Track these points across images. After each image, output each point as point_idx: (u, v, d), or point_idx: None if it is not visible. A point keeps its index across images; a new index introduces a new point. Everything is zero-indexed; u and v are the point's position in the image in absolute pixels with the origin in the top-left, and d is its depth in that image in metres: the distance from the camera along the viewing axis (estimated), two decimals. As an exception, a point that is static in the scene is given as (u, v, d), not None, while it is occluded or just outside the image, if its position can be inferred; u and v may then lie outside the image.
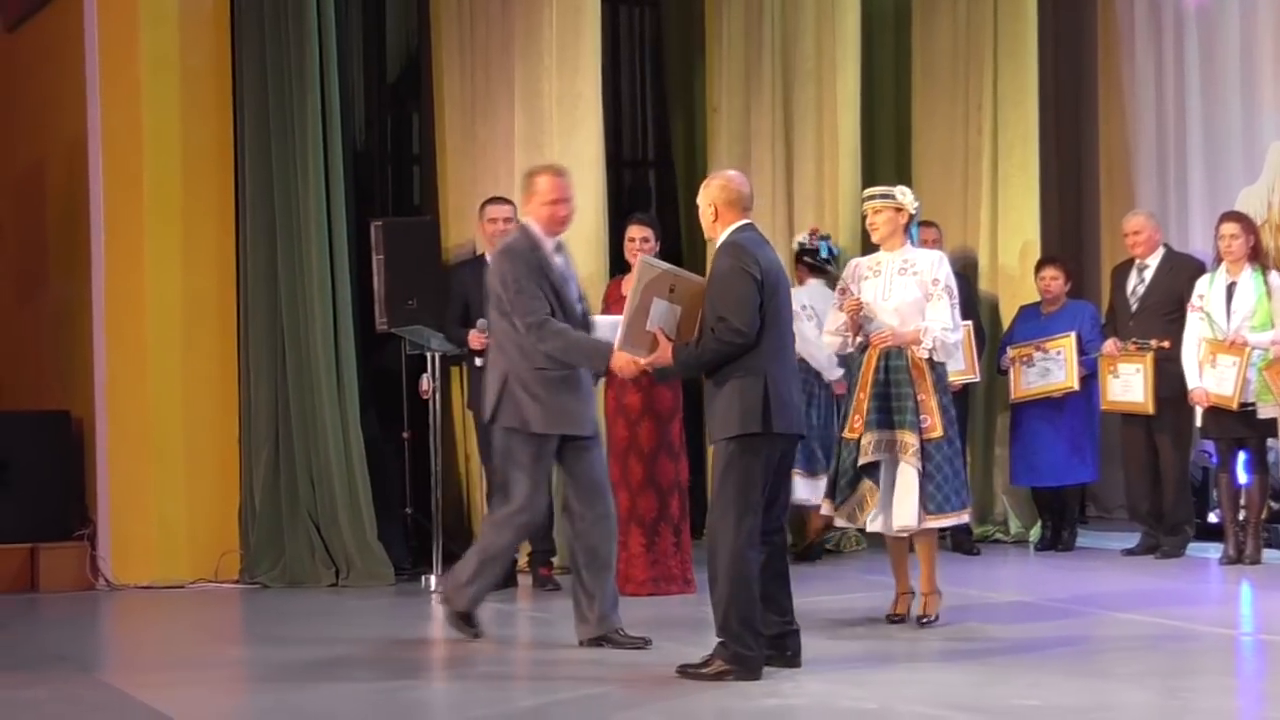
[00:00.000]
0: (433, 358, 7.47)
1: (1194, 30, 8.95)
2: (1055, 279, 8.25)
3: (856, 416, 6.04)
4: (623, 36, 9.47)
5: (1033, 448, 8.24)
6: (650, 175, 9.73)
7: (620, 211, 8.29)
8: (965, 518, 6.24)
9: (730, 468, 5.14)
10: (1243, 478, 7.69)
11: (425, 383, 7.49)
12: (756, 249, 5.23)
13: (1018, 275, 8.62)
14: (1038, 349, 8.17)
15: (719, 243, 5.33)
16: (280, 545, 7.54)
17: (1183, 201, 8.98)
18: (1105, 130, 9.43)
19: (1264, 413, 7.46)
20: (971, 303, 8.32)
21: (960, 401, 8.15)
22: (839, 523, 6.35)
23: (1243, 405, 7.42)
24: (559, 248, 5.75)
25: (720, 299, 5.15)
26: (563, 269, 5.72)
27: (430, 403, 7.49)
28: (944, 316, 6.06)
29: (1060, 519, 8.37)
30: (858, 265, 6.24)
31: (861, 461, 6.02)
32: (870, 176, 8.58)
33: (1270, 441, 7.68)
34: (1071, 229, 9.71)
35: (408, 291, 7.60)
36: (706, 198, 5.35)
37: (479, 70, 8.11)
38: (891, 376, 6.04)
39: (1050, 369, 8.11)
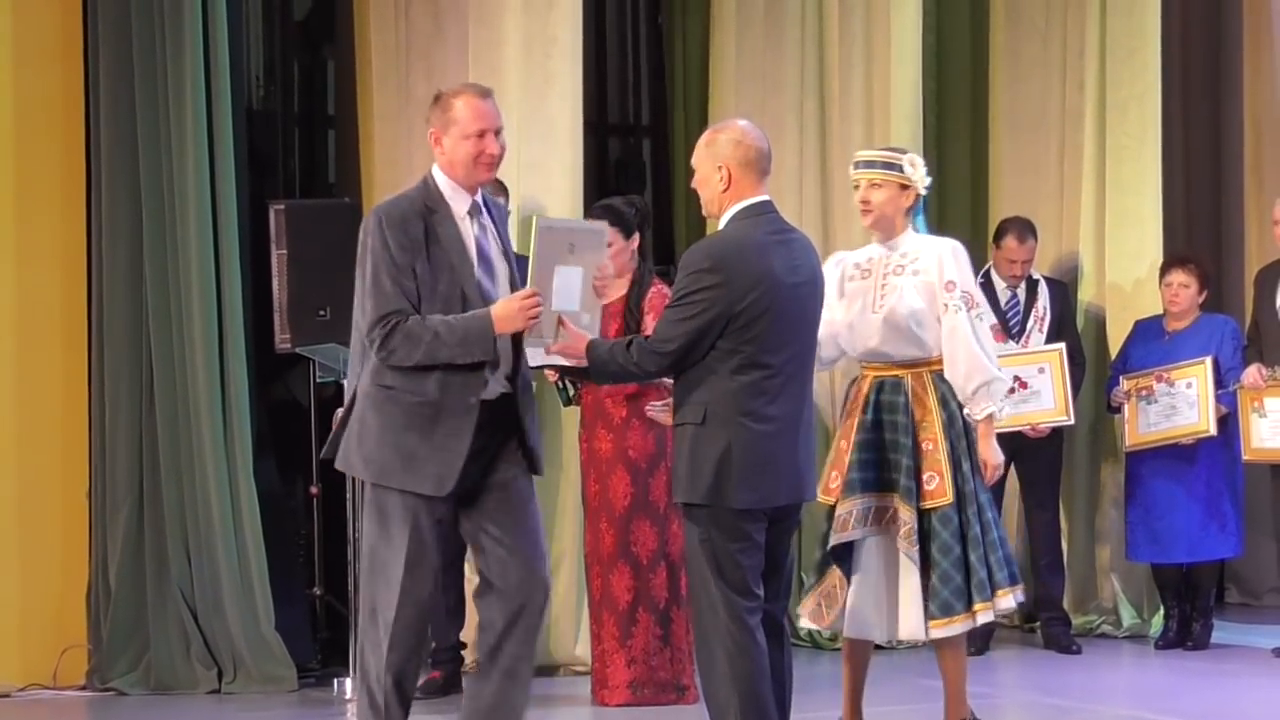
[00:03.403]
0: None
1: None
2: (1187, 287, 8.23)
3: (835, 473, 5.86)
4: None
5: (1154, 512, 8.23)
6: (645, 144, 9.77)
7: (605, 191, 8.29)
8: (989, 613, 5.84)
9: (693, 540, 5.16)
10: None
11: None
12: (745, 249, 5.13)
13: (1132, 280, 8.61)
14: (1160, 380, 8.15)
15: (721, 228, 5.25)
16: (144, 638, 7.52)
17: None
18: (1252, 88, 9.46)
19: None
20: (1067, 318, 8.35)
21: (1051, 450, 8.16)
22: (802, 620, 6.07)
23: None
24: (480, 209, 5.29)
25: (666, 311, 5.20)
26: (484, 242, 5.26)
27: (347, 447, 7.45)
28: (967, 344, 5.77)
29: (1190, 606, 8.36)
30: (842, 263, 6.02)
31: (835, 540, 5.84)
32: (935, 144, 8.56)
33: None
34: (1205, 219, 9.73)
35: (318, 298, 7.60)
36: (713, 157, 5.22)
37: (417, 5, 8.13)
38: (885, 416, 5.84)
39: (1177, 406, 8.10)
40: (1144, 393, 8.18)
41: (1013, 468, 7.86)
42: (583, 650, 7.46)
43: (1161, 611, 8.44)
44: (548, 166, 7.77)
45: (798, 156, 8.40)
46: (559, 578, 7.71)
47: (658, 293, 6.86)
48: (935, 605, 5.76)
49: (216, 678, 7.43)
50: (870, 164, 5.95)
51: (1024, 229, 8.20)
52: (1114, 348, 8.53)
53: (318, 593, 7.86)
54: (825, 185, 8.42)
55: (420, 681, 7.33)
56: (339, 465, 5.28)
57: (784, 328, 5.14)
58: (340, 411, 5.32)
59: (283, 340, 7.65)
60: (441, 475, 5.11)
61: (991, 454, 5.82)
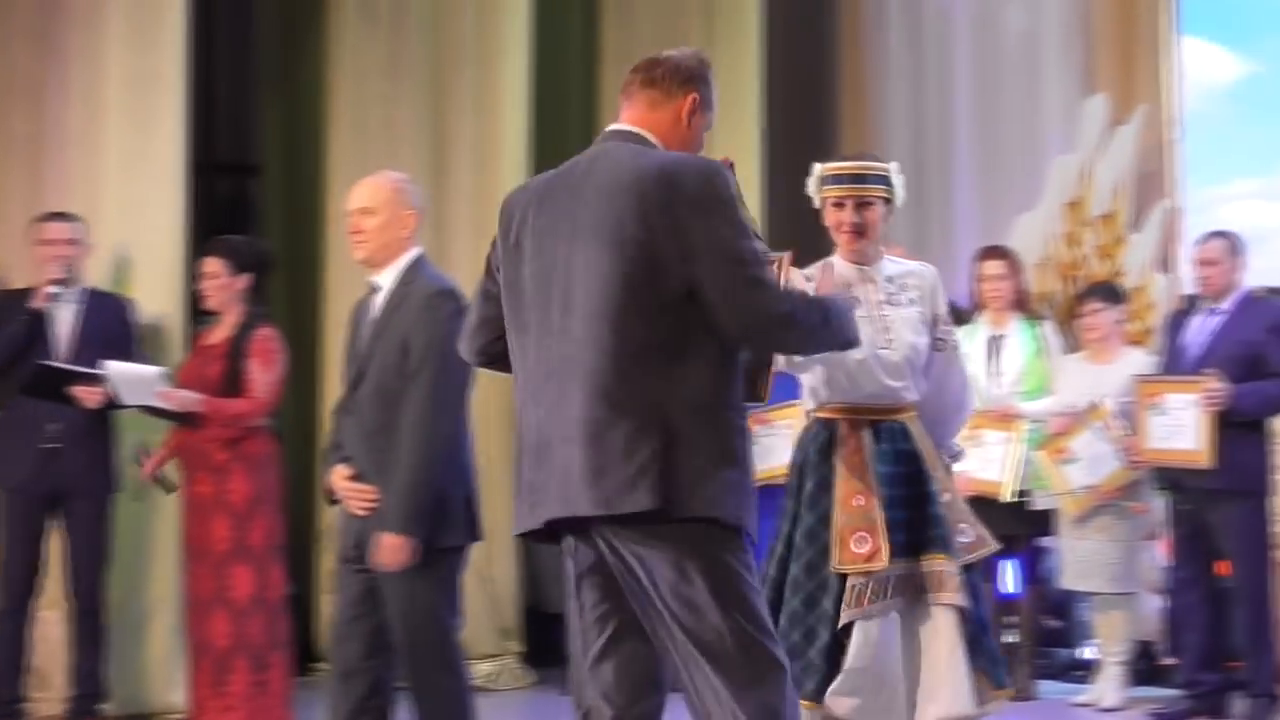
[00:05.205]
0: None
1: (964, 22, 9.35)
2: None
3: (863, 534, 4.78)
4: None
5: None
6: (253, 183, 9.71)
7: (213, 231, 8.16)
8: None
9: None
10: (1010, 588, 7.84)
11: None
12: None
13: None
14: (758, 422, 8.16)
15: (399, 274, 5.14)
16: None
17: (946, 233, 9.38)
18: (850, 140, 9.71)
19: (1039, 504, 7.62)
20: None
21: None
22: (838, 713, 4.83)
23: (1013, 495, 7.55)
24: None
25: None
26: None
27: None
28: (966, 378, 5.13)
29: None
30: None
31: (848, 617, 4.75)
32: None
33: (1045, 541, 7.85)
34: (796, 265, 9.86)
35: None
36: (405, 203, 5.15)
37: (16, 39, 7.88)
38: (902, 468, 4.86)
39: (775, 448, 8.06)
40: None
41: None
42: (178, 697, 7.29)
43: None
44: (151, 206, 7.60)
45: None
46: (157, 621, 7.53)
47: (264, 337, 6.79)
48: (1002, 671, 4.92)
49: None
50: (860, 178, 4.86)
51: None
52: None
53: None
54: (440, 231, 8.36)
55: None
56: (688, 511, 3.77)
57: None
58: (624, 439, 3.79)
59: None
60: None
61: None
